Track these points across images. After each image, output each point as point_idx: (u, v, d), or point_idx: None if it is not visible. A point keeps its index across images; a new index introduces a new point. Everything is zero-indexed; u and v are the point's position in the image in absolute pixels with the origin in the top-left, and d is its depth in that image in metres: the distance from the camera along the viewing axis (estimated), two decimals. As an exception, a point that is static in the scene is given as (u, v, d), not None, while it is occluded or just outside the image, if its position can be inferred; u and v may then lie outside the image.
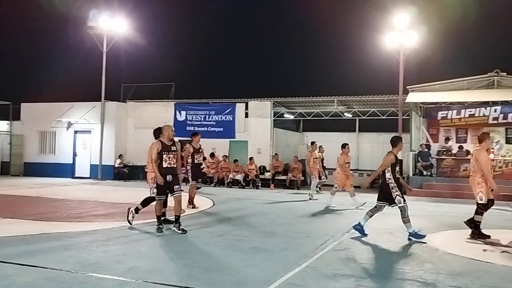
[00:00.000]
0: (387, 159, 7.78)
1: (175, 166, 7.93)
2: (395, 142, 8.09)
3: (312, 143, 15.25)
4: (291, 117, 23.41)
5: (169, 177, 7.77)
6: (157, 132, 8.43)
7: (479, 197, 7.93)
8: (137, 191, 15.53)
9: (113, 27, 21.40)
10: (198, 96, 23.27)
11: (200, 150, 11.53)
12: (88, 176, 21.99)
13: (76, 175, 22.16)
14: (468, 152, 18.21)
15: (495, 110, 19.56)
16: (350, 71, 32.31)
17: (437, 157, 18.15)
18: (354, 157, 20.97)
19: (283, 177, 19.57)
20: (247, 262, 5.93)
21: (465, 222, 8.26)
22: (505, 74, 17.63)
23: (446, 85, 18.49)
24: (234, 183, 19.33)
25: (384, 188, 7.76)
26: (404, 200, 7.64)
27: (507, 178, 16.55)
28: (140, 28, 26.18)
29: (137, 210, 8.60)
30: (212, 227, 8.53)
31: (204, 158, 12.06)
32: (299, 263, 5.82)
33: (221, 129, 21.27)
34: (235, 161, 19.82)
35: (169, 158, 7.82)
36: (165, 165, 7.77)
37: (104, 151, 21.73)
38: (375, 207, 7.97)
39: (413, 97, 18.09)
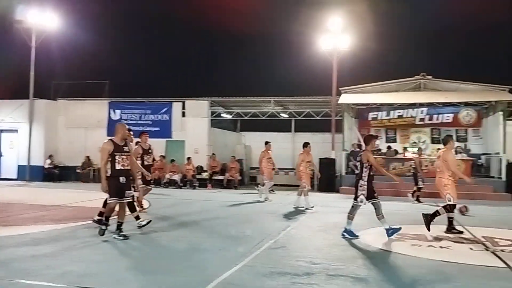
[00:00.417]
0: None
1: (128, 168, 7.41)
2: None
3: (266, 142, 14.78)
4: (229, 117, 23.47)
5: (122, 179, 7.27)
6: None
7: (448, 199, 8.40)
8: (68, 193, 14.96)
9: (43, 22, 20.45)
10: (133, 94, 22.70)
11: (150, 151, 10.80)
12: (15, 177, 20.86)
13: (1, 177, 20.98)
14: (396, 152, 19.14)
15: (422, 112, 20.70)
16: (287, 72, 32.83)
17: (368, 156, 18.86)
18: (290, 157, 21.44)
19: (221, 177, 19.58)
20: (184, 263, 5.89)
21: (425, 216, 8.55)
22: (431, 77, 18.69)
23: (376, 87, 19.28)
24: (171, 183, 19.10)
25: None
26: None
27: (433, 176, 17.46)
28: (74, 24, 25.21)
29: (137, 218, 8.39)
30: (148, 229, 8.37)
31: (154, 159, 11.50)
32: (236, 262, 5.86)
33: (157, 128, 20.91)
34: (172, 161, 19.60)
35: (122, 159, 7.28)
36: (118, 166, 7.23)
37: (33, 151, 20.75)
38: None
39: (346, 98, 18.73)
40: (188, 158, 19.50)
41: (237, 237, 7.86)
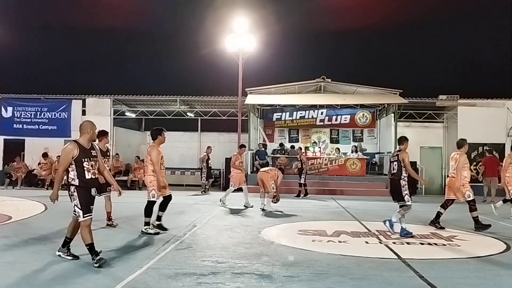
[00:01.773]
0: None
1: (98, 176, 6.07)
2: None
3: (242, 146, 14.07)
4: (133, 115, 22.78)
5: (93, 191, 5.99)
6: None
7: (467, 195, 9.02)
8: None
9: None
10: (27, 90, 21.18)
11: (108, 154, 9.60)
12: None
13: None
14: (291, 151, 19.84)
15: (322, 113, 21.77)
16: (193, 72, 32.66)
17: (272, 155, 19.39)
18: (196, 156, 21.34)
19: (124, 178, 18.94)
20: (85, 268, 5.62)
21: (433, 223, 9.23)
22: (330, 80, 19.63)
23: (280, 89, 19.84)
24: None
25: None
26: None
27: (331, 174, 18.48)
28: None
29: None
30: (44, 234, 7.86)
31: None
32: (140, 265, 5.72)
33: (55, 127, 19.72)
34: (71, 161, 18.55)
35: (91, 166, 5.84)
36: (88, 175, 5.81)
37: None
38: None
39: (251, 99, 19.06)
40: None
41: (141, 239, 7.66)
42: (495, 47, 35.18)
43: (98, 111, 20.00)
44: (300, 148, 17.86)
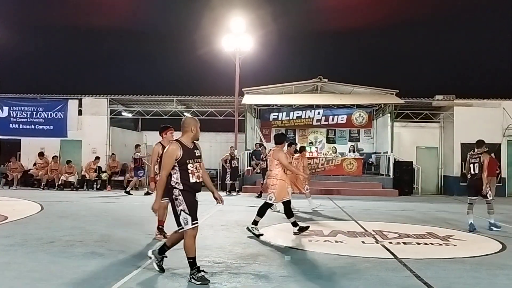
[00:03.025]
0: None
1: (202, 180, 5.28)
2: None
3: (290, 144, 12.08)
4: (129, 115, 22.75)
5: (197, 197, 5.25)
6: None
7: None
8: None
9: None
10: (24, 90, 21.14)
11: None
12: None
13: None
14: (296, 151, 19.84)
15: (318, 113, 21.80)
16: (190, 71, 32.66)
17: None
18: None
19: (121, 178, 18.91)
20: (80, 268, 5.60)
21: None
22: (326, 80, 19.66)
23: (277, 89, 19.87)
24: (66, 185, 18.05)
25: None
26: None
27: (328, 174, 18.51)
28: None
29: (256, 222, 8.02)
30: (40, 234, 7.83)
31: None
32: (137, 265, 5.71)
33: (51, 127, 19.67)
34: (68, 162, 18.53)
35: (195, 168, 5.13)
36: (193, 179, 5.08)
37: None
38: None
39: (248, 99, 19.07)
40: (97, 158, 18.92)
41: (138, 239, 7.64)
42: (491, 48, 35.34)
43: (95, 111, 19.97)
44: (265, 148, 17.46)
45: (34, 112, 19.80)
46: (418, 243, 7.65)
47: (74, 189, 17.84)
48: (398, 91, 18.86)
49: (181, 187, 5.05)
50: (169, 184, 5.12)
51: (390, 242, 7.65)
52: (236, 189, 17.11)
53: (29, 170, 18.96)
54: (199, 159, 5.22)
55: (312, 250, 6.96)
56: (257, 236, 7.86)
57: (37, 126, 19.71)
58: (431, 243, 7.66)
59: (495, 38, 35.72)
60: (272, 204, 8.56)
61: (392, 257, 6.60)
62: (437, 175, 19.97)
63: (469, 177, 9.51)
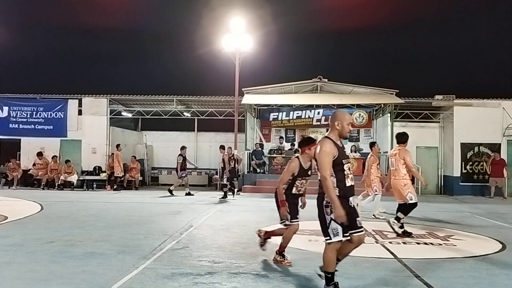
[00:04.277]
0: None
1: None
2: None
3: (373, 144, 12.01)
4: (129, 115, 22.75)
5: (351, 202, 4.71)
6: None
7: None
8: None
9: None
10: (23, 90, 21.12)
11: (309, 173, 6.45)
12: None
13: None
14: (296, 151, 19.84)
15: (318, 113, 21.79)
16: (190, 71, 32.66)
17: (269, 155, 19.39)
18: (193, 156, 21.30)
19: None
20: (80, 268, 5.60)
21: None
22: (326, 80, 19.64)
23: (277, 88, 19.84)
24: (66, 185, 18.05)
25: None
26: None
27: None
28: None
29: (398, 218, 8.11)
30: (40, 234, 7.84)
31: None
32: (137, 266, 5.71)
33: (51, 127, 19.65)
34: (67, 161, 18.54)
35: (349, 169, 4.65)
36: (348, 182, 4.59)
37: None
38: None
39: (248, 99, 19.05)
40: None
41: (137, 239, 7.64)
42: (491, 48, 35.34)
43: (95, 110, 19.97)
44: (223, 148, 16.64)
45: (34, 112, 19.78)
46: (418, 243, 7.65)
47: (74, 188, 17.84)
48: (398, 91, 18.84)
49: (336, 191, 4.48)
50: (62, 180, 4.96)
51: (390, 242, 7.65)
52: (235, 189, 17.07)
53: (29, 170, 18.96)
54: (349, 159, 4.76)
55: (312, 250, 6.96)
56: (401, 234, 7.98)
57: (37, 126, 19.69)
58: (431, 243, 7.67)
59: (495, 38, 35.75)
60: (416, 204, 8.39)
61: (392, 257, 6.60)
62: (437, 175, 19.97)
63: None
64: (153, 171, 22.37)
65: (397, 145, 8.64)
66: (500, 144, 18.35)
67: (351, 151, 19.91)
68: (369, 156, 11.71)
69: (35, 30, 36.62)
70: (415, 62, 36.04)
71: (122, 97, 20.72)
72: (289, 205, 5.98)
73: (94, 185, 18.25)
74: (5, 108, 19.81)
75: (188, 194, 15.44)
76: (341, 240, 4.60)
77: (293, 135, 22.04)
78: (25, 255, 6.31)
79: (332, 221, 4.57)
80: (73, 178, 18.15)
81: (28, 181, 18.88)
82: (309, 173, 5.77)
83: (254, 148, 19.58)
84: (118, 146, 18.59)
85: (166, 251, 6.62)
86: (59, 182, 18.01)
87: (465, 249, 7.32)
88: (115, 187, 18.09)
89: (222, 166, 16.15)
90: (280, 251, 6.16)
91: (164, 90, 21.04)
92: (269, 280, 5.25)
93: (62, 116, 19.70)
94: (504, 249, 7.32)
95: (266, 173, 18.95)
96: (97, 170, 19.16)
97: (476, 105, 19.04)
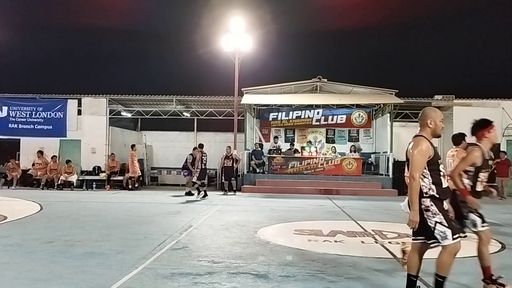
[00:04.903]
0: None
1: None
2: None
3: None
4: (129, 115, 22.75)
5: (445, 205, 4.38)
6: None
7: None
8: None
9: None
10: (23, 90, 21.13)
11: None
12: None
13: None
14: (296, 151, 19.86)
15: (318, 113, 21.80)
16: (190, 71, 32.66)
17: (268, 155, 19.40)
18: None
19: (120, 178, 18.90)
20: (80, 268, 5.60)
21: None
22: (326, 80, 19.65)
23: (276, 88, 19.86)
24: (66, 185, 18.05)
25: None
26: None
27: (327, 174, 18.50)
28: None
29: None
30: (39, 234, 7.83)
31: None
32: (136, 266, 5.70)
33: (50, 127, 19.65)
34: (67, 161, 18.54)
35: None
36: (444, 183, 4.32)
37: None
38: None
39: (247, 99, 19.06)
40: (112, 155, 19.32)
41: (137, 239, 7.63)
42: (491, 48, 35.36)
43: (94, 110, 19.97)
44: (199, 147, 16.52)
45: (34, 112, 19.78)
46: (418, 243, 7.63)
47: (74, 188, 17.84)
48: (397, 91, 18.85)
49: (433, 193, 4.22)
50: (62, 180, 4.78)
51: (390, 242, 7.64)
52: (234, 189, 17.09)
53: (28, 170, 18.95)
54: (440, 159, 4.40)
55: (311, 250, 6.95)
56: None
57: (36, 126, 19.69)
58: (431, 243, 7.65)
59: (495, 38, 35.76)
60: None
61: (392, 257, 6.59)
62: (436, 175, 19.95)
63: None
64: (152, 171, 22.37)
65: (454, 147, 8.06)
66: (499, 144, 18.34)
67: (351, 151, 19.93)
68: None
69: (35, 30, 36.61)
70: (415, 62, 36.09)
71: (121, 97, 20.72)
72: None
73: (94, 185, 18.25)
74: (5, 108, 19.80)
75: (189, 193, 15.46)
76: (454, 243, 4.26)
77: (293, 135, 22.05)
78: (25, 255, 6.31)
79: (438, 224, 4.21)
80: (73, 178, 18.16)
81: (27, 181, 18.87)
82: (490, 163, 4.92)
83: (254, 148, 19.58)
84: (133, 146, 18.64)
85: (166, 251, 6.62)
86: (59, 182, 18.01)
87: (465, 249, 7.30)
88: (136, 185, 18.46)
89: (191, 163, 15.96)
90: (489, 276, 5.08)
91: (163, 90, 21.11)
92: (269, 280, 5.24)
93: (62, 116, 19.70)
94: (503, 249, 7.32)
95: (266, 173, 18.96)
96: (97, 170, 19.15)
97: (476, 105, 19.05)
